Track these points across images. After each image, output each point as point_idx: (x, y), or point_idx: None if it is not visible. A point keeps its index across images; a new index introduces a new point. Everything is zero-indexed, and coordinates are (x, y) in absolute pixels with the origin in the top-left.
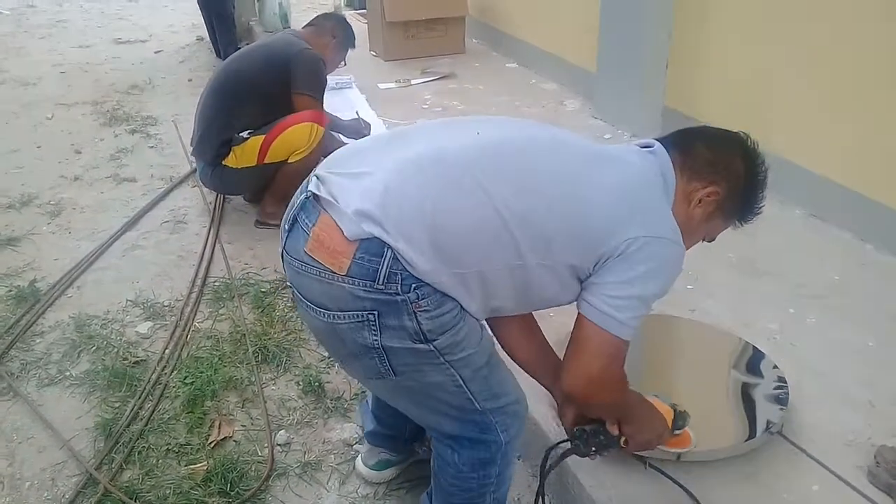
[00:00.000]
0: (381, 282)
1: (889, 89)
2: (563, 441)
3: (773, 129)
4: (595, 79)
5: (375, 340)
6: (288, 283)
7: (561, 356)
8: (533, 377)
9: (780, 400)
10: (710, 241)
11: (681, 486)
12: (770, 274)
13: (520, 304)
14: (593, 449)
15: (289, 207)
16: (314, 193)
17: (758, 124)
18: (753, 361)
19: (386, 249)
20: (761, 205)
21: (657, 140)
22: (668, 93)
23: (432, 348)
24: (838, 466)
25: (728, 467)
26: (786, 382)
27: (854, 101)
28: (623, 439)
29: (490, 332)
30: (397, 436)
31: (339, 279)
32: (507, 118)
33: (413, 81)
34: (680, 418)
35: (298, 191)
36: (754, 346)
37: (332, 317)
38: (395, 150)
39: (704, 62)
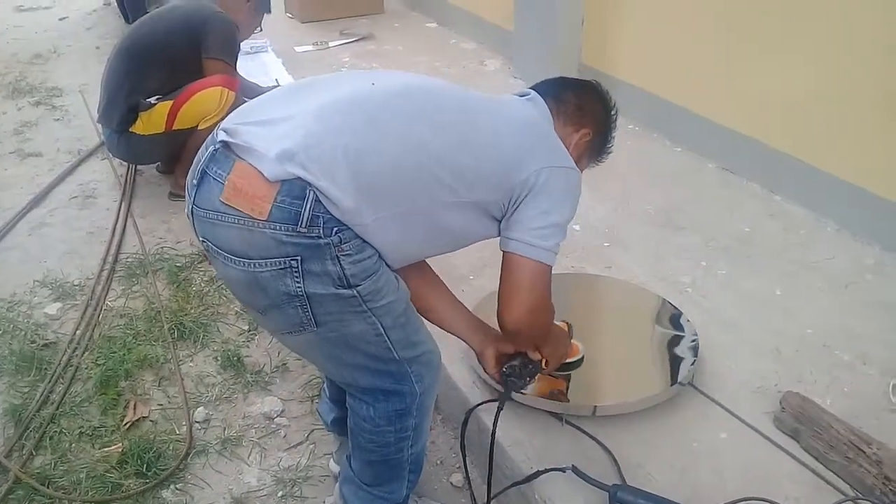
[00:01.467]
0: (303, 225)
1: (793, 43)
2: (486, 402)
3: (688, 85)
4: (513, 37)
5: (299, 287)
6: (200, 239)
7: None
8: (449, 331)
9: (692, 352)
10: None
11: (595, 439)
12: (684, 228)
13: (436, 246)
14: (527, 379)
15: (194, 164)
16: (225, 143)
17: (672, 80)
18: (665, 315)
19: (308, 191)
20: (612, 145)
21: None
22: (585, 50)
23: (355, 293)
24: (746, 413)
25: (641, 419)
26: (696, 334)
27: (762, 56)
28: (543, 361)
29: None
30: None
31: (260, 225)
32: (402, 72)
33: (331, 44)
34: (571, 329)
35: (203, 146)
36: (667, 300)
37: (253, 265)
38: (308, 97)
39: (619, 19)
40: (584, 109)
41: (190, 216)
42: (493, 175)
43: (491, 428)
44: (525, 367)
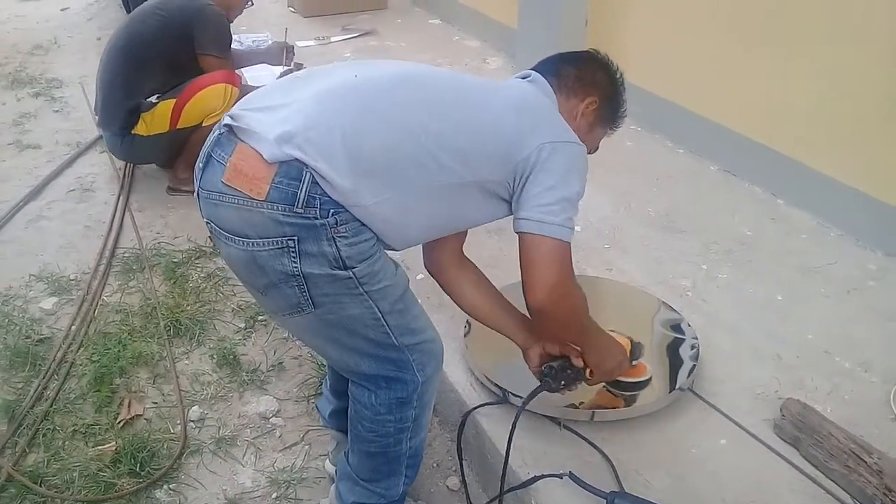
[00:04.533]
0: (300, 205)
1: (798, 46)
2: (483, 404)
3: (691, 86)
4: (516, 35)
5: (295, 267)
6: (205, 220)
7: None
8: (494, 328)
9: (692, 357)
10: (594, 152)
11: (593, 445)
12: (685, 230)
13: (441, 228)
14: (562, 383)
15: (203, 148)
16: (229, 127)
17: (675, 81)
18: (665, 319)
19: (305, 173)
20: (625, 108)
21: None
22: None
23: (351, 275)
24: (746, 420)
25: (639, 425)
26: (697, 339)
27: (766, 58)
28: (588, 371)
29: (440, 280)
30: None
31: (258, 205)
32: (401, 60)
33: (333, 39)
34: (637, 349)
35: (211, 132)
36: (667, 304)
37: (251, 244)
38: (308, 85)
39: (622, 20)
40: (585, 79)
41: (196, 198)
42: (493, 155)
43: (487, 431)
44: (563, 371)
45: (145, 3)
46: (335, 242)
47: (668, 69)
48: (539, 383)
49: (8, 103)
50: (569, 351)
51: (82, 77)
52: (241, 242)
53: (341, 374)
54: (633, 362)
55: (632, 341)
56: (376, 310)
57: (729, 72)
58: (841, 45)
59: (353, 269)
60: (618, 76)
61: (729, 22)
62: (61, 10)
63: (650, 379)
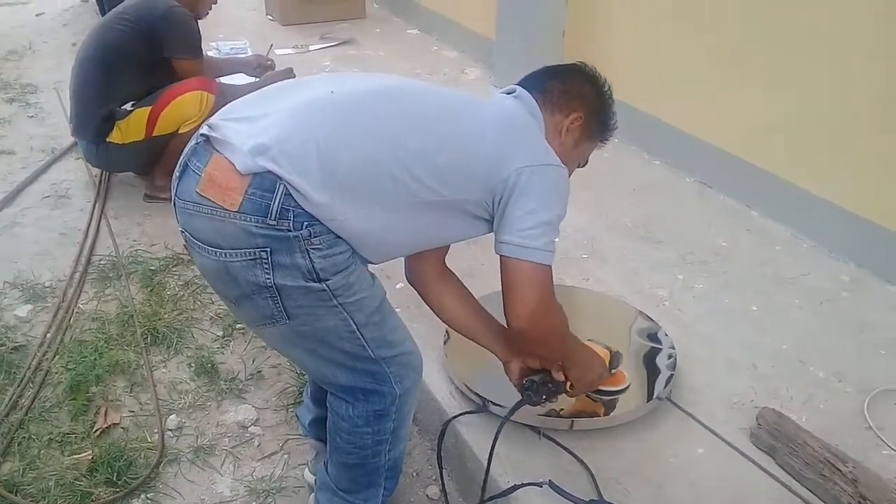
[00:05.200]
0: (273, 217)
1: (773, 61)
2: (463, 413)
3: (667, 99)
4: (494, 46)
5: (268, 279)
6: (180, 230)
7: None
8: (475, 340)
9: (669, 366)
10: (584, 166)
11: (572, 454)
12: (662, 241)
13: (417, 243)
14: (543, 397)
15: (181, 157)
16: (206, 137)
17: (651, 93)
18: (643, 329)
19: (278, 185)
20: (615, 120)
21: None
22: (566, 61)
23: (325, 287)
24: (723, 429)
25: (618, 434)
26: (674, 348)
27: (742, 73)
28: (568, 384)
29: (421, 291)
30: None
31: (231, 215)
32: (384, 73)
33: (311, 47)
34: (615, 358)
35: (190, 141)
36: (645, 314)
37: (224, 255)
38: (287, 97)
39: (600, 31)
40: (570, 93)
41: (173, 207)
42: (472, 175)
43: (467, 440)
44: (544, 385)
45: (112, 10)
46: (308, 255)
47: (644, 81)
48: (520, 396)
49: None
50: (549, 364)
51: (57, 83)
52: (213, 253)
53: (319, 384)
54: (612, 371)
55: (611, 351)
56: (351, 322)
57: (705, 84)
58: (816, 61)
59: (327, 282)
60: (605, 89)
61: (707, 35)
62: (36, 15)
63: (629, 387)
